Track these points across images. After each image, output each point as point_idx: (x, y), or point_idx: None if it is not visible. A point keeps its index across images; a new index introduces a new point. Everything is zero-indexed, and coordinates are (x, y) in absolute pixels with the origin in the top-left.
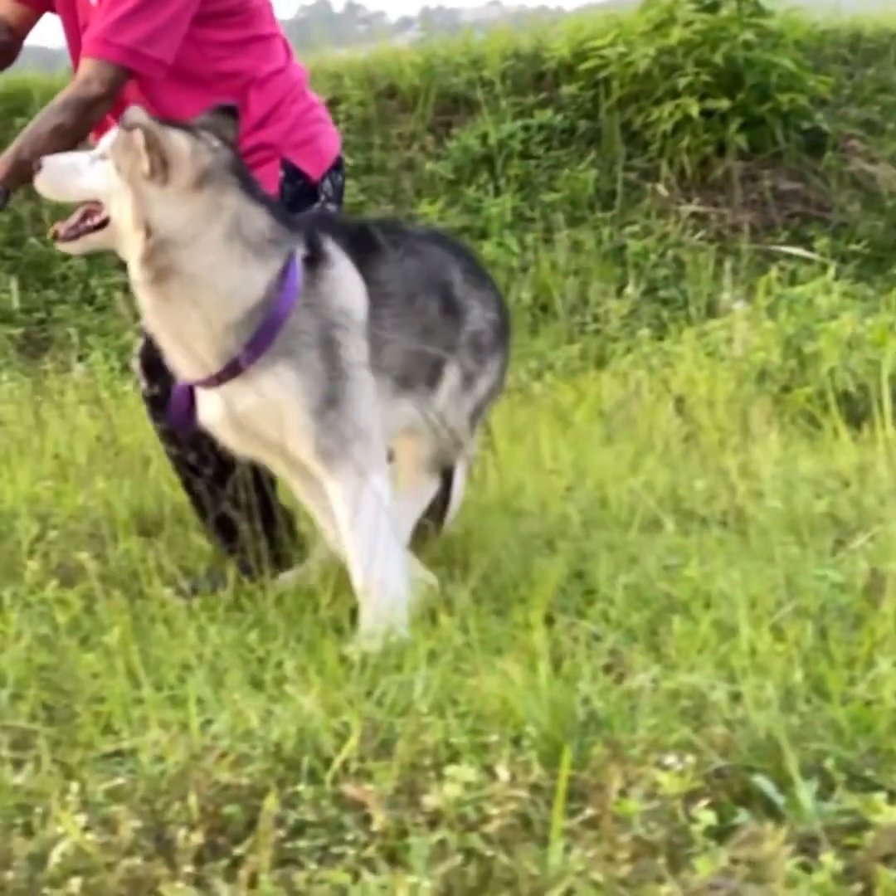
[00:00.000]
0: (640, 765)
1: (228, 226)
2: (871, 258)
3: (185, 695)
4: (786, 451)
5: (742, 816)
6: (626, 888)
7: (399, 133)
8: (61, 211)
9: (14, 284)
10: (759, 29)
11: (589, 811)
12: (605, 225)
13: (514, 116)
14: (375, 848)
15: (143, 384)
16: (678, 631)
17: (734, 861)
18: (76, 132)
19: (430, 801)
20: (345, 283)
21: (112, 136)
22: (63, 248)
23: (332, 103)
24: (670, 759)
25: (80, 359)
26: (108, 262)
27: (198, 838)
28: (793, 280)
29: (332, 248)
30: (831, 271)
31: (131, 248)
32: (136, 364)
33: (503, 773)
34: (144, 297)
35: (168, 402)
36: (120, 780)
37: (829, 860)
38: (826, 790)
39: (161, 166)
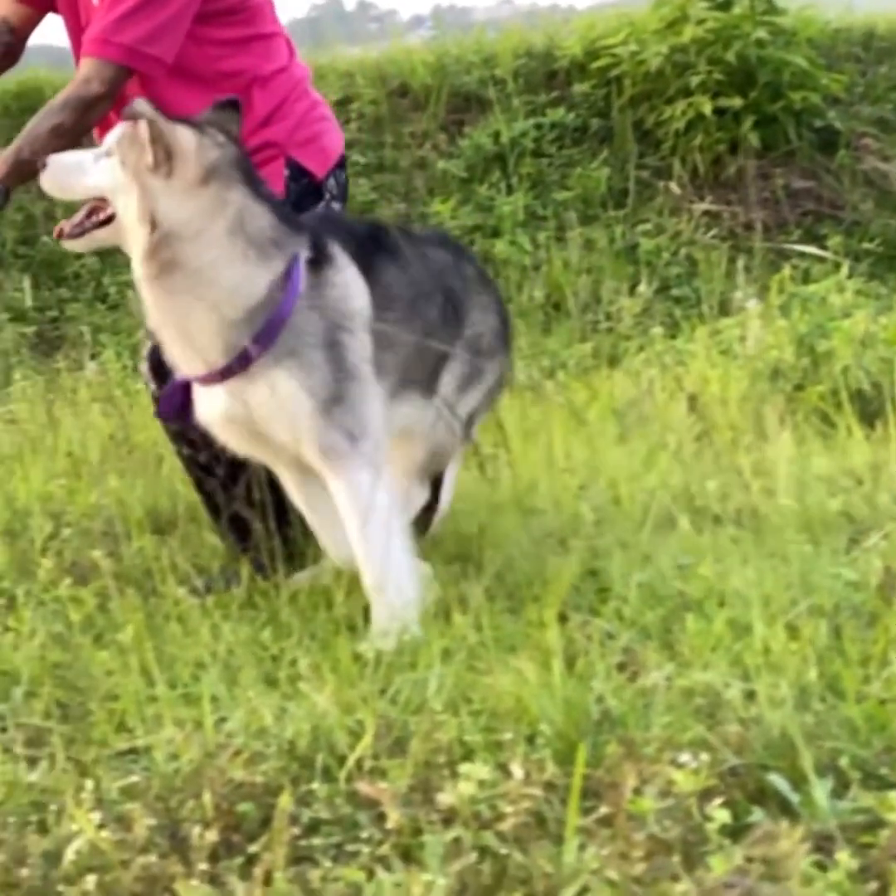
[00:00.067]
0: (655, 763)
1: (232, 221)
2: (885, 256)
3: (199, 693)
4: (799, 449)
5: (757, 815)
6: (640, 886)
7: (411, 131)
8: (73, 209)
9: (27, 283)
10: (772, 27)
11: (603, 809)
12: (617, 223)
13: (527, 115)
14: (390, 846)
15: (152, 386)
16: (692, 629)
17: (749, 859)
18: (76, 131)
19: (445, 799)
20: (349, 285)
21: (117, 132)
22: (68, 245)
23: (344, 102)
24: (685, 758)
25: (93, 357)
26: (120, 261)
27: (212, 836)
28: (806, 278)
29: (336, 250)
30: (844, 269)
31: (136, 243)
32: (144, 367)
33: (517, 771)
34: (147, 292)
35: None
36: (134, 778)
37: (845, 858)
38: (841, 788)
39: (165, 159)
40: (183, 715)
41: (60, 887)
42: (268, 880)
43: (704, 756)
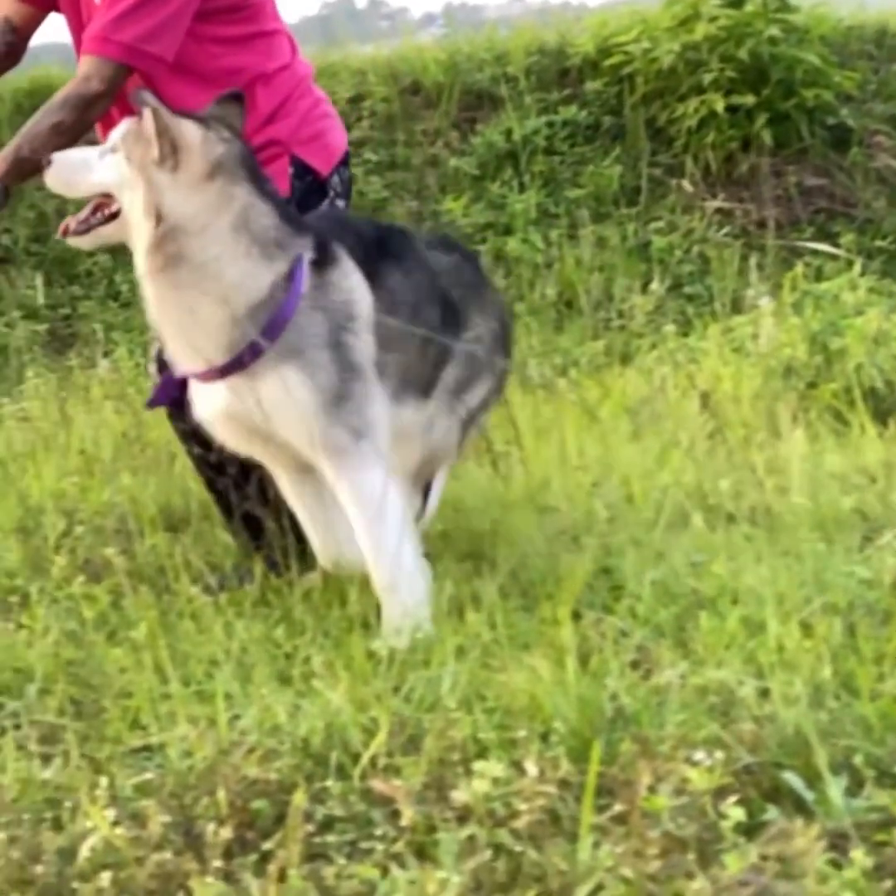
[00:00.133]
0: (669, 761)
1: (237, 218)
2: None
3: (213, 690)
4: (812, 447)
5: (771, 813)
6: (655, 884)
7: (423, 129)
8: (84, 207)
9: (39, 280)
10: (785, 24)
11: (618, 807)
12: (629, 221)
13: (539, 112)
14: (404, 843)
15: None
16: (706, 627)
17: (764, 857)
18: (75, 129)
19: (459, 796)
20: (352, 289)
21: (121, 128)
22: (74, 242)
23: (356, 99)
24: (699, 755)
25: (106, 355)
26: (132, 258)
27: (227, 833)
28: (818, 276)
29: (340, 252)
30: (857, 267)
31: (141, 237)
32: (152, 368)
33: (532, 768)
34: (151, 287)
35: (185, 402)
36: (148, 775)
37: (859, 856)
38: (855, 787)
39: (171, 152)
40: (197, 712)
41: (75, 884)
42: (282, 877)
43: (719, 754)
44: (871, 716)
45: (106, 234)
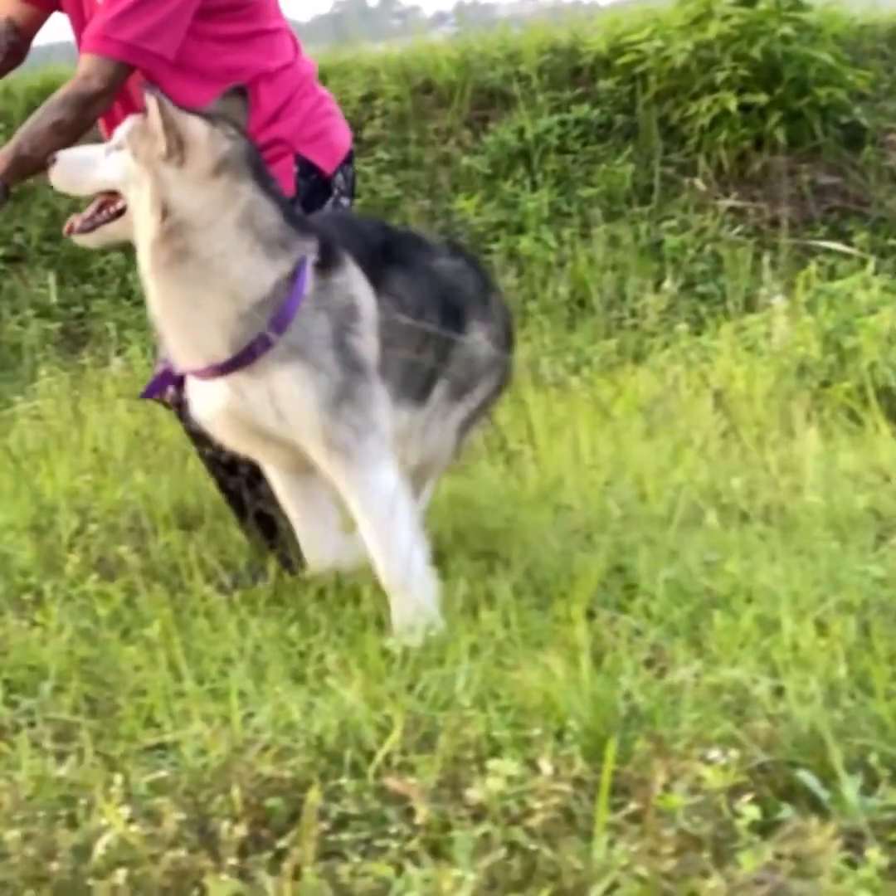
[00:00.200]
0: (684, 759)
1: (242, 214)
2: None
3: (227, 688)
4: (826, 446)
5: (786, 811)
6: (670, 882)
7: (435, 128)
8: None
9: (52, 279)
10: (798, 23)
11: (632, 805)
12: (642, 220)
13: (551, 111)
14: (419, 841)
15: (171, 389)
16: (720, 626)
17: (779, 856)
18: (75, 128)
19: (473, 794)
20: (355, 293)
21: (126, 125)
22: (79, 240)
23: (369, 98)
24: (714, 754)
25: (119, 353)
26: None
27: (241, 831)
28: (832, 275)
29: (344, 256)
30: (870, 266)
31: (146, 232)
32: (161, 369)
33: (546, 767)
34: (155, 283)
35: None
36: (163, 773)
37: (875, 855)
38: (870, 785)
39: (178, 147)
40: (211, 710)
41: (90, 881)
42: (297, 875)
43: (733, 752)
44: (886, 715)
45: (111, 231)
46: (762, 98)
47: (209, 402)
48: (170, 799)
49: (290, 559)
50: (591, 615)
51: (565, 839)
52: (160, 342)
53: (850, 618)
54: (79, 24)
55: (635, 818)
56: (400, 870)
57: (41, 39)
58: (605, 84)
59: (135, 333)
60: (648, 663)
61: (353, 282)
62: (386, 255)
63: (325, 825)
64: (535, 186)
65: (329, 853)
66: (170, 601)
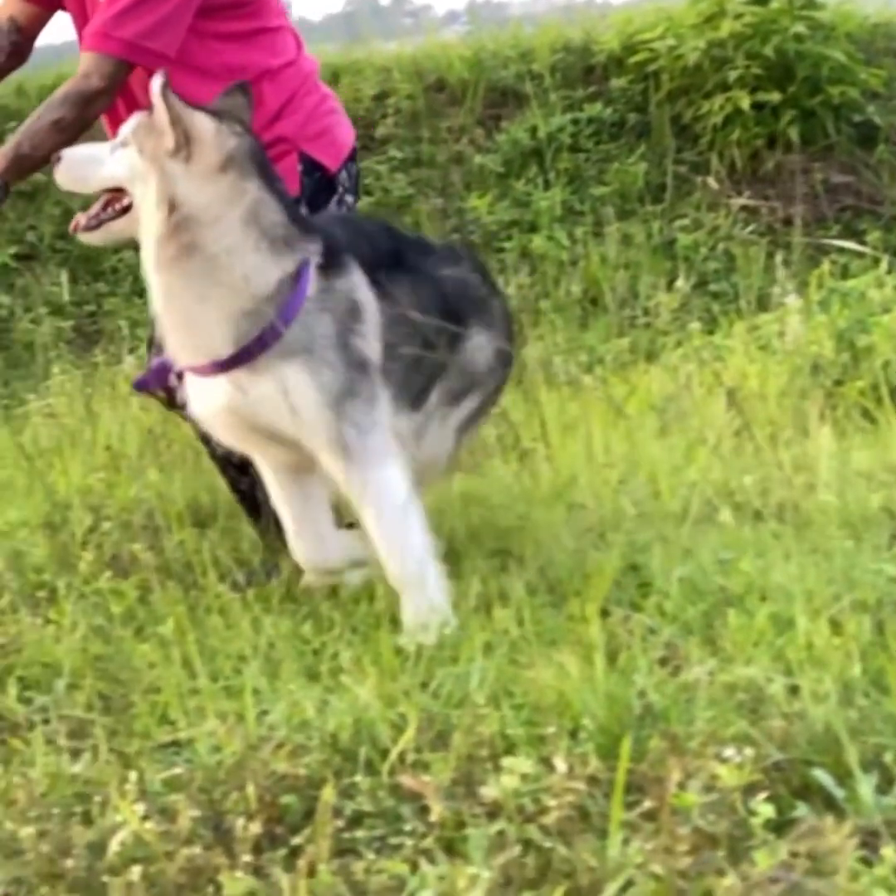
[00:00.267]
0: (698, 757)
1: (247, 211)
2: None
3: (241, 685)
4: (839, 444)
5: (801, 810)
6: (685, 880)
7: (448, 126)
8: None
9: (64, 277)
10: (811, 21)
11: (647, 803)
12: (655, 218)
13: (564, 110)
14: (433, 839)
15: (180, 391)
16: (734, 624)
17: (794, 854)
18: (76, 126)
19: (488, 792)
20: (358, 298)
21: (132, 122)
22: (85, 238)
23: (381, 97)
24: (728, 752)
25: (131, 351)
26: None
27: (256, 828)
28: (845, 273)
29: (347, 259)
30: (884, 264)
31: (152, 228)
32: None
33: (560, 764)
34: (159, 278)
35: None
36: (177, 770)
37: (890, 854)
38: (885, 784)
39: (185, 143)
40: (225, 707)
41: (105, 878)
42: (311, 872)
43: (748, 751)
44: None
45: (117, 229)
46: (775, 96)
47: (209, 399)
48: (184, 796)
49: None
50: (605, 613)
51: (580, 837)
52: (156, 337)
53: (865, 616)
54: (81, 23)
55: (650, 816)
56: (414, 867)
57: (54, 38)
58: (617, 83)
59: (147, 331)
60: (663, 662)
61: (357, 286)
62: (389, 259)
63: (339, 822)
64: (547, 185)
65: (343, 850)
66: (184, 599)
